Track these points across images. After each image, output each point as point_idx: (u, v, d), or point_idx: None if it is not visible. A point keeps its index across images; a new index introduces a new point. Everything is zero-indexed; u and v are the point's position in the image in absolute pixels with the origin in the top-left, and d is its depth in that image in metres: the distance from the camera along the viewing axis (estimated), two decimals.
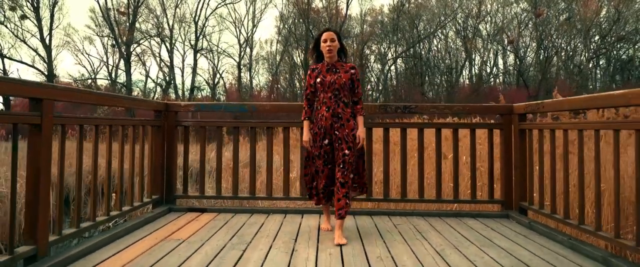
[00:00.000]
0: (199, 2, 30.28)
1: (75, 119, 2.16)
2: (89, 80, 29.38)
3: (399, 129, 3.32)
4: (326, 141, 2.42)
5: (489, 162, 3.22)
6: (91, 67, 30.60)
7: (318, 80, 2.47)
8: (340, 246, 2.26)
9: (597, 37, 28.16)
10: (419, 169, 3.22)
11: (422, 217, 3.07)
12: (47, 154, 1.89)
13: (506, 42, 29.29)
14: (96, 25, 29.27)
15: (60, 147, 2.04)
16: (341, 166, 2.37)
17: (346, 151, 2.37)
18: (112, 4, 28.38)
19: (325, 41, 2.47)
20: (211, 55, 30.35)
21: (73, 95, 2.14)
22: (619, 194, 2.09)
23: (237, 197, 3.26)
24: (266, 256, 2.10)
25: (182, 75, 34.03)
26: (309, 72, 2.54)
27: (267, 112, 3.40)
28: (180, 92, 29.65)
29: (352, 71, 2.49)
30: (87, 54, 36.35)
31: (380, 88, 30.74)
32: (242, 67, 30.56)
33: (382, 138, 3.24)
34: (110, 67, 29.89)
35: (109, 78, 29.85)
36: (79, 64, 38.84)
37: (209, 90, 31.16)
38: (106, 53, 29.93)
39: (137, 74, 28.81)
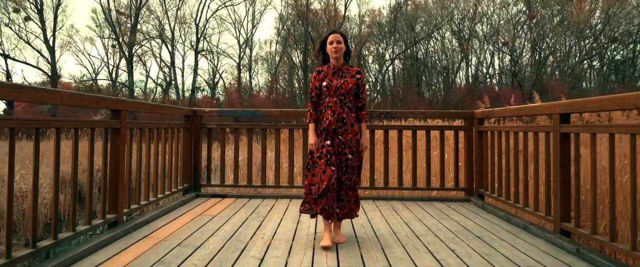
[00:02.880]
0: (199, 4, 30.99)
1: (138, 123, 2.91)
2: (90, 81, 30.04)
3: (382, 131, 4.07)
4: (328, 142, 2.39)
5: (455, 157, 3.98)
6: (92, 67, 31.32)
7: (324, 84, 2.43)
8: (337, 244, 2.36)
9: (591, 38, 28.92)
10: (398, 163, 3.98)
11: (400, 201, 3.83)
12: (124, 150, 2.64)
13: (501, 43, 30.04)
14: (97, 26, 29.96)
15: (129, 146, 2.79)
16: (345, 170, 2.38)
17: (350, 156, 2.38)
18: (114, 5, 29.03)
19: (331, 43, 2.44)
20: (211, 55, 31.04)
21: (136, 106, 2.89)
22: (538, 180, 2.85)
23: (251, 186, 4.02)
24: (279, 224, 2.86)
25: (182, 76, 34.66)
26: (314, 74, 2.50)
27: (275, 116, 4.16)
28: (180, 93, 30.32)
29: (358, 76, 2.47)
30: (88, 54, 37.03)
31: (378, 88, 31.45)
32: (241, 67, 31.25)
33: (369, 139, 3.99)
34: (110, 68, 30.55)
35: (109, 78, 30.52)
36: (80, 64, 39.50)
37: (208, 90, 31.82)
38: (107, 53, 30.63)
39: (137, 74, 29.47)
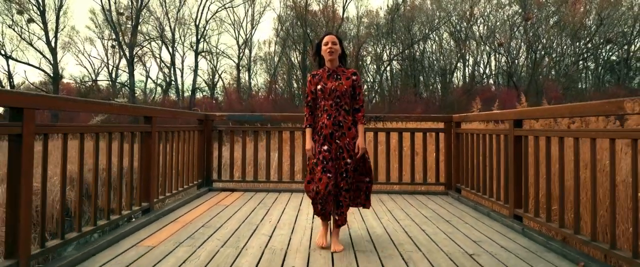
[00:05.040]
0: (199, 6, 31.51)
1: (165, 127, 3.45)
2: (89, 82, 30.51)
3: (372, 133, 4.62)
4: (325, 147, 2.36)
5: (436, 156, 4.54)
6: (92, 67, 31.77)
7: (319, 87, 2.41)
8: (335, 252, 2.29)
9: (586, 39, 29.49)
10: (386, 161, 4.52)
11: (387, 194, 4.38)
12: (155, 149, 3.18)
13: (497, 44, 30.57)
14: (96, 27, 30.41)
15: (158, 147, 3.32)
16: (344, 175, 2.34)
17: (348, 160, 2.35)
18: (115, 7, 29.46)
19: (326, 44, 2.43)
20: (210, 56, 31.52)
21: (164, 113, 3.43)
22: (500, 174, 3.40)
23: (257, 181, 4.57)
24: (283, 211, 3.41)
25: (182, 76, 35.07)
26: (309, 78, 2.47)
27: (278, 120, 4.70)
28: (180, 93, 30.77)
29: (354, 77, 2.43)
30: (87, 54, 37.29)
31: (376, 89, 31.98)
32: (240, 68, 31.74)
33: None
34: (110, 68, 30.95)
35: (109, 78, 30.96)
36: (80, 64, 39.75)
37: (208, 91, 32.27)
38: (106, 54, 31.06)
39: (136, 75, 29.92)
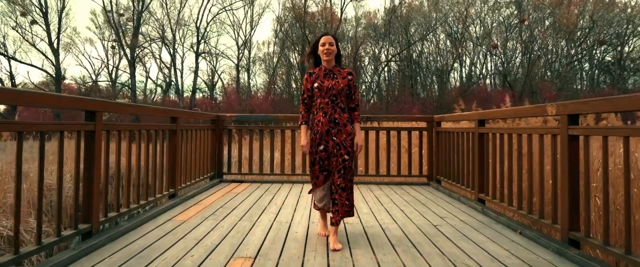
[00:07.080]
0: (200, 8, 32.12)
1: (186, 125, 4.07)
2: (90, 82, 31.04)
3: (364, 132, 5.25)
4: (321, 147, 2.41)
5: (419, 151, 5.17)
6: (92, 68, 32.22)
7: (316, 85, 2.46)
8: (335, 250, 2.28)
9: (581, 40, 30.14)
10: (376, 156, 5.15)
11: (376, 185, 5.01)
12: (179, 145, 3.80)
13: (491, 46, 31.19)
14: (97, 28, 30.90)
15: (180, 144, 3.93)
16: (342, 171, 2.36)
17: (346, 156, 2.38)
18: (116, 8, 29.98)
19: (323, 45, 2.48)
20: (210, 56, 32.08)
21: (184, 114, 4.05)
22: (469, 166, 4.03)
23: (262, 174, 5.19)
24: (286, 197, 4.05)
25: (182, 77, 35.55)
26: (305, 76, 2.54)
27: (281, 120, 5.33)
28: (180, 94, 31.30)
29: (350, 77, 2.50)
30: (88, 55, 37.61)
31: (374, 89, 32.60)
32: (240, 68, 32.31)
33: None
34: (110, 68, 31.42)
35: (109, 79, 31.47)
36: (80, 65, 40.04)
37: (208, 91, 32.79)
38: (107, 54, 31.55)
39: (137, 75, 30.43)
